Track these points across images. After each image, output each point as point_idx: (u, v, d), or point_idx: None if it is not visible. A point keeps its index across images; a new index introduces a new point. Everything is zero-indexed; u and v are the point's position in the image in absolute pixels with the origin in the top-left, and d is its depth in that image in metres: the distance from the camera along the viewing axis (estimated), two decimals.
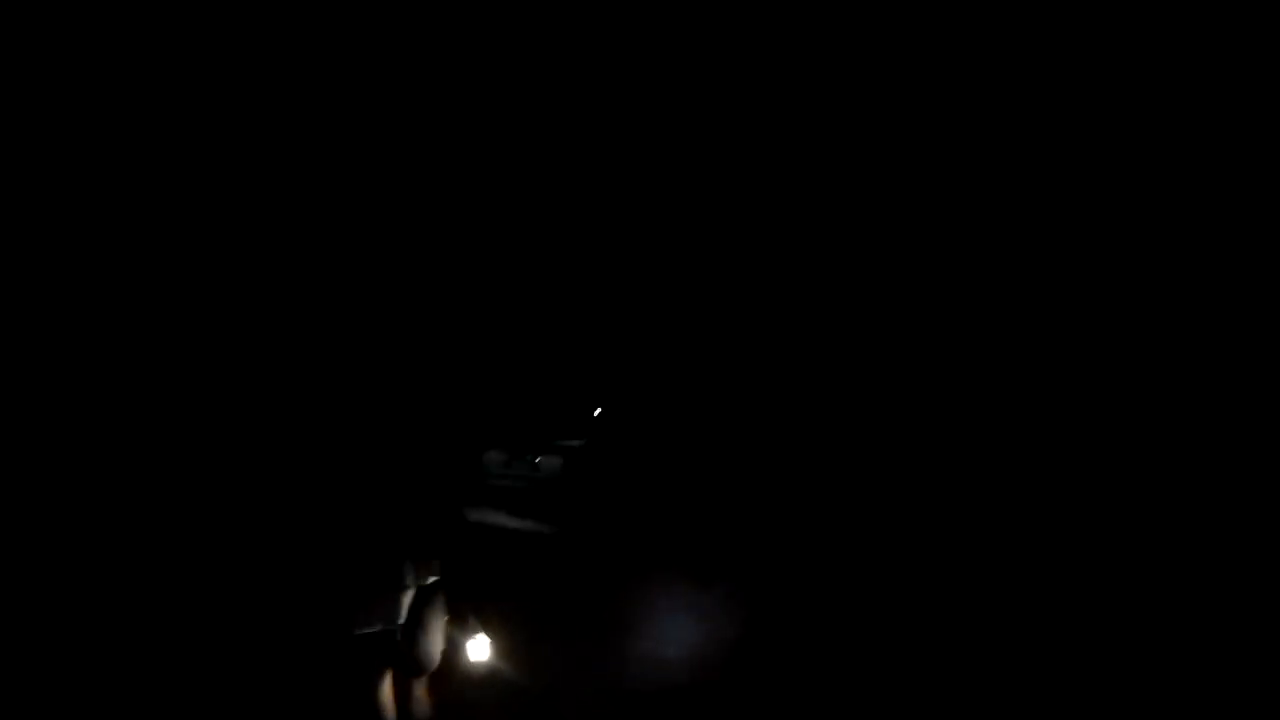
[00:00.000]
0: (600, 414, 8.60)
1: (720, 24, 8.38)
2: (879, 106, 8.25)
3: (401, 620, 3.04)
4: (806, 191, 9.10)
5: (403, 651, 3.06)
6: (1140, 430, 6.01)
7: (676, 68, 8.58)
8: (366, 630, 2.89)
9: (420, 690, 3.18)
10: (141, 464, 5.30)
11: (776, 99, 8.67)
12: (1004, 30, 7.35)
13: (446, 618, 3.29)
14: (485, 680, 3.43)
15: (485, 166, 9.09)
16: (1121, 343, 6.73)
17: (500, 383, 9.06)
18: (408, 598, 3.06)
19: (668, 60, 8.49)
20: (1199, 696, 3.07)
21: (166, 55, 6.41)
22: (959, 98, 7.74)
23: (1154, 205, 6.75)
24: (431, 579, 3.15)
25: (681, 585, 5.29)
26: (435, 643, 3.22)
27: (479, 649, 3.32)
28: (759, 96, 8.64)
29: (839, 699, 3.58)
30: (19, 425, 4.99)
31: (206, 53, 6.65)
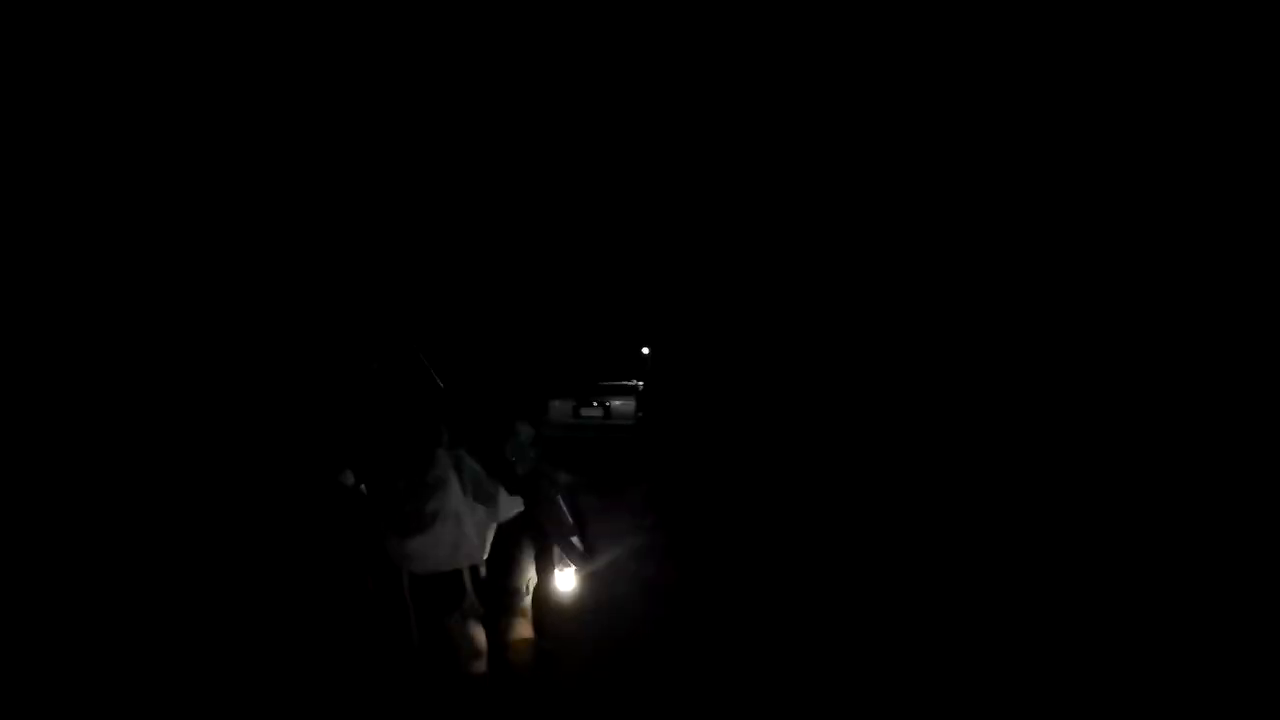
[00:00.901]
0: (651, 354, 8.78)
1: (720, 24, 8.38)
2: (879, 107, 8.26)
3: (486, 557, 2.97)
4: (808, 185, 9.13)
5: (489, 587, 2.98)
6: (1140, 429, 6.02)
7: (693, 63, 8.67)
8: (449, 568, 2.80)
9: (506, 625, 3.09)
10: (205, 418, 5.40)
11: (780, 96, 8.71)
12: (1003, 30, 7.36)
13: (532, 553, 3.24)
14: (572, 612, 3.34)
15: (497, 161, 9.53)
16: (1121, 342, 6.74)
17: (556, 338, 9.63)
18: (491, 534, 2.98)
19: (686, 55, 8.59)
20: (1199, 696, 3.08)
21: (167, 56, 6.42)
22: (959, 98, 7.74)
23: (1154, 205, 6.76)
24: (515, 512, 3.09)
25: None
26: (521, 577, 3.18)
27: (565, 581, 3.27)
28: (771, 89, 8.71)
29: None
30: (24, 423, 5.01)
31: (207, 53, 6.66)
